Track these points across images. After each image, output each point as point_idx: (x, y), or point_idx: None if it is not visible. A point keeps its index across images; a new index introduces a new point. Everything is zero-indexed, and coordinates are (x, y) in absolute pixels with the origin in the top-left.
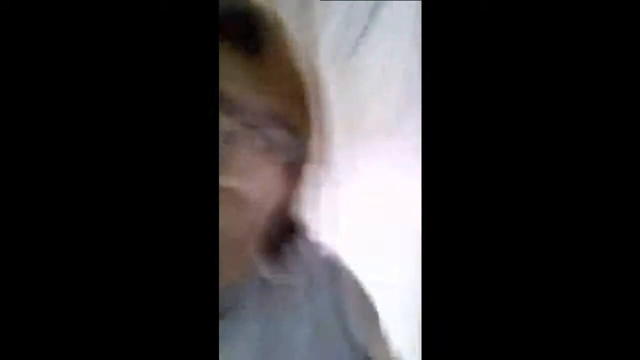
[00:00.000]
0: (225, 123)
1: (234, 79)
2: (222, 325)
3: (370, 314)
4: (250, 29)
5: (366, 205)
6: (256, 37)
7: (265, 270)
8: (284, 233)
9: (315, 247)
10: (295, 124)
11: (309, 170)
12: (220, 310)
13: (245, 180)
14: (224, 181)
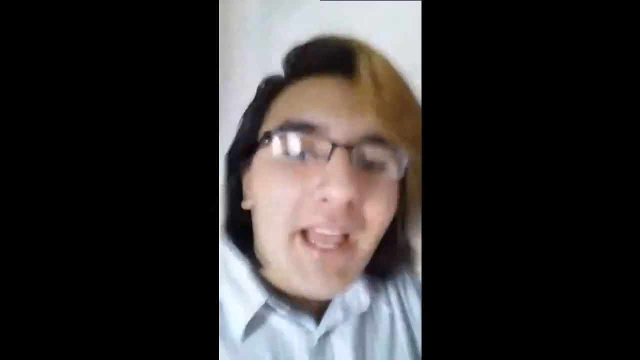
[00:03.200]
0: (321, 146)
1: (328, 104)
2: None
3: None
4: (344, 56)
5: None
6: (350, 63)
7: (365, 293)
8: (391, 257)
9: (415, 278)
10: (395, 141)
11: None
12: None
13: (347, 193)
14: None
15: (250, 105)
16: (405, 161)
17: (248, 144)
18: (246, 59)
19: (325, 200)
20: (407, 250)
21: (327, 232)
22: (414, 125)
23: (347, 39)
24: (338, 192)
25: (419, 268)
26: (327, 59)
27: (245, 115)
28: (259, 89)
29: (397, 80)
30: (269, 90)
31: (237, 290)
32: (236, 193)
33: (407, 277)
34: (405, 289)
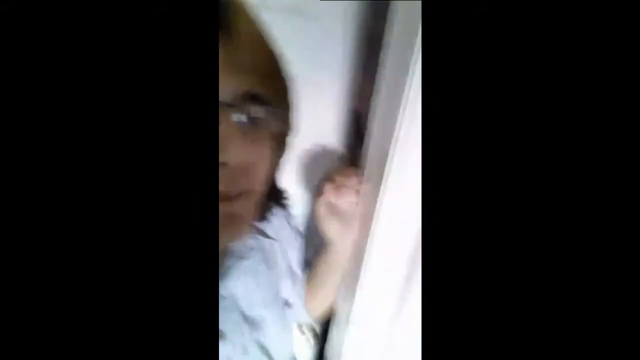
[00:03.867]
0: None
1: None
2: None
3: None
4: (225, 15)
5: None
6: (227, 22)
7: (251, 237)
8: (270, 200)
9: (289, 214)
10: (273, 100)
11: (290, 140)
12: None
13: (236, 155)
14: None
15: None
16: (275, 114)
17: None
18: None
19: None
20: (279, 192)
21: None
22: (284, 89)
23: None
24: (230, 152)
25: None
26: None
27: None
28: None
29: (271, 46)
30: None
31: None
32: None
33: (279, 212)
34: (279, 221)
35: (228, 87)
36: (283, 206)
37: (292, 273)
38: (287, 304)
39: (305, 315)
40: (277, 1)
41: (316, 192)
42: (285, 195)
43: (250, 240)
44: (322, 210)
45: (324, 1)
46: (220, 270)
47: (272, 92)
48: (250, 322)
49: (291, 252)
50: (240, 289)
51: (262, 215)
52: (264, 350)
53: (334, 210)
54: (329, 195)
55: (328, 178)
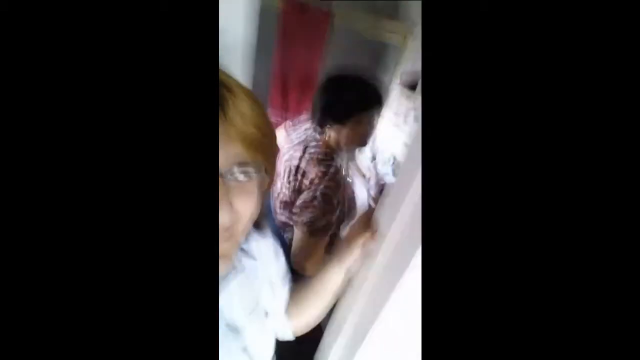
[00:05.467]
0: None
1: None
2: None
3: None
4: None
5: None
6: (223, 100)
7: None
8: (253, 228)
9: (267, 235)
10: (260, 163)
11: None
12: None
13: (226, 210)
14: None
15: None
16: (261, 169)
17: None
18: None
19: None
20: (261, 219)
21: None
22: (268, 144)
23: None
24: (222, 217)
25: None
26: None
27: None
28: None
29: (258, 115)
30: None
31: None
32: None
33: (258, 233)
34: (258, 242)
35: (222, 156)
36: (261, 228)
37: (272, 286)
38: (266, 314)
39: (285, 323)
40: None
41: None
42: (263, 220)
43: (235, 263)
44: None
45: None
46: (224, 287)
47: (260, 157)
48: (234, 330)
49: (271, 267)
50: (225, 302)
51: (245, 238)
52: (247, 353)
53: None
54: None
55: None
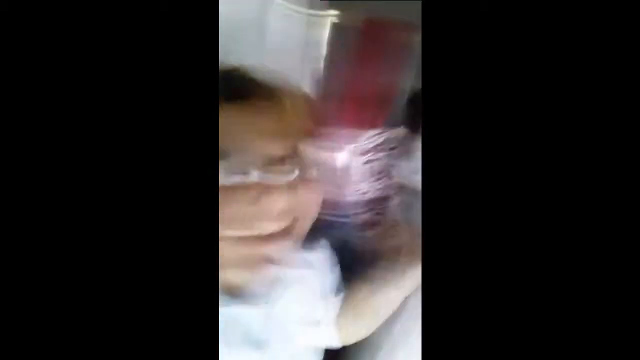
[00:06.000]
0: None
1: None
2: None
3: None
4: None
5: None
6: (269, 94)
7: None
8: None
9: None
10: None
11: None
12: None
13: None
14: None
15: None
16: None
17: None
18: None
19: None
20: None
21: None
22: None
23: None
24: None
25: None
26: (249, 88)
27: None
28: None
29: (308, 111)
30: None
31: None
32: None
33: (320, 241)
34: (319, 250)
35: (275, 147)
36: (319, 238)
37: (325, 297)
38: (316, 324)
39: (334, 333)
40: None
41: None
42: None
43: (294, 271)
44: None
45: None
46: (271, 296)
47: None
48: (286, 336)
49: (326, 278)
50: (281, 309)
51: (307, 245)
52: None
53: None
54: None
55: None
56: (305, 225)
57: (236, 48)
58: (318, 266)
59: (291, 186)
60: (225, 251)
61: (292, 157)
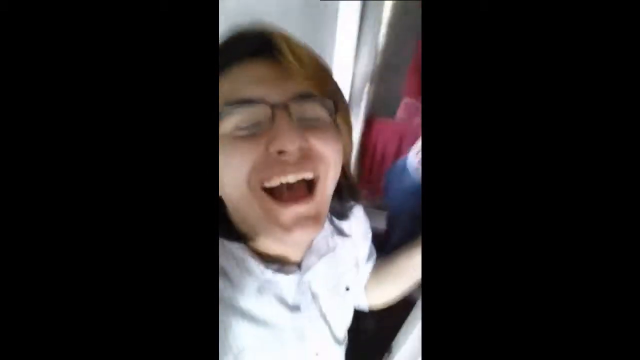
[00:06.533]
0: (263, 112)
1: (261, 79)
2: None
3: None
4: (267, 44)
5: None
6: (274, 49)
7: (331, 237)
8: (346, 196)
9: (359, 213)
10: (325, 94)
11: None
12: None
13: (295, 142)
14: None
15: None
16: (332, 108)
17: None
18: None
19: (280, 152)
20: (352, 189)
21: (290, 178)
22: (331, 83)
23: (266, 30)
24: (287, 141)
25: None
26: (253, 48)
27: None
28: None
29: (312, 54)
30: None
31: (239, 264)
32: None
33: (354, 207)
34: (354, 218)
35: (280, 90)
36: (357, 201)
37: (357, 264)
38: (347, 288)
39: (363, 300)
40: None
41: None
42: (357, 190)
43: (328, 240)
44: None
45: None
46: (304, 265)
47: (322, 90)
48: (317, 301)
49: (360, 245)
50: (314, 276)
51: (340, 212)
52: (327, 322)
53: None
54: None
55: None
56: (334, 177)
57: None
58: (351, 234)
59: (309, 126)
60: (254, 210)
61: (297, 95)
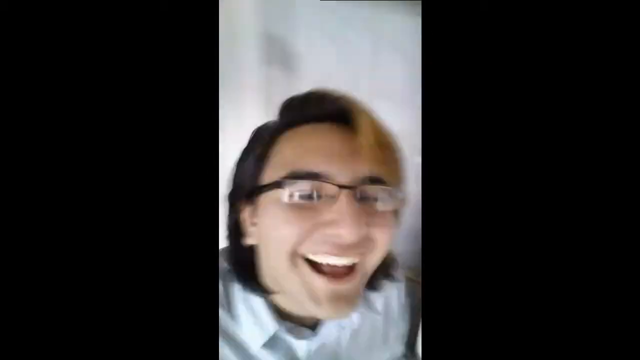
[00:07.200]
0: (328, 189)
1: (331, 152)
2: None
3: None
4: (341, 107)
5: None
6: (348, 114)
7: (357, 312)
8: (381, 272)
9: (400, 287)
10: (389, 180)
11: (403, 213)
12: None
13: (357, 229)
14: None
15: (247, 152)
16: (398, 198)
17: (248, 188)
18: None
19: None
20: (392, 263)
21: (337, 261)
22: (401, 167)
23: (342, 95)
24: (348, 232)
25: (397, 273)
26: (326, 109)
27: (242, 160)
28: (256, 136)
29: (385, 132)
30: (268, 138)
31: (253, 315)
32: (235, 231)
33: (390, 284)
34: (388, 294)
35: (350, 170)
36: (393, 278)
37: (386, 344)
38: None
39: None
40: None
41: None
42: (396, 266)
43: (357, 315)
44: None
45: None
46: (329, 337)
47: (388, 173)
48: None
49: (394, 326)
50: (340, 348)
51: (373, 286)
52: None
53: None
54: None
55: None
56: (377, 261)
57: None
58: (387, 311)
59: (372, 212)
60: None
61: (367, 178)
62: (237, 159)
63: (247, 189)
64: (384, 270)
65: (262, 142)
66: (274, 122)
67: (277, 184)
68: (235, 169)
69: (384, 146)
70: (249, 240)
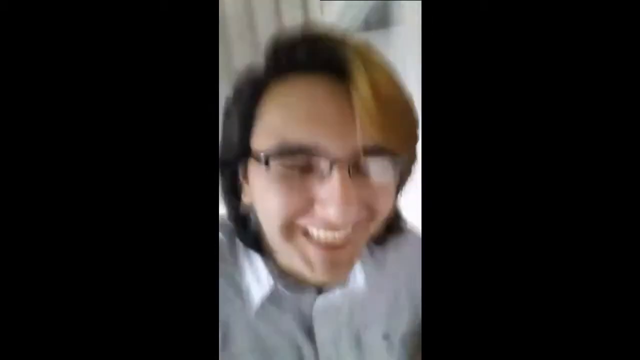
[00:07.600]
0: (321, 163)
1: (324, 122)
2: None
3: None
4: (338, 58)
5: None
6: (345, 68)
7: (361, 273)
8: (388, 231)
9: (405, 235)
10: (397, 148)
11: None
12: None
13: (377, 201)
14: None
15: (234, 107)
16: (401, 165)
17: (240, 151)
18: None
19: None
20: (398, 221)
21: (330, 235)
22: (411, 129)
23: (342, 39)
24: (338, 214)
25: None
26: (319, 58)
27: (228, 115)
28: (239, 88)
29: (394, 88)
30: (252, 93)
31: (252, 270)
32: (233, 188)
33: (398, 241)
34: (398, 252)
35: (344, 142)
36: (401, 230)
37: (398, 304)
38: (385, 336)
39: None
40: None
41: None
42: (402, 219)
43: (362, 274)
44: None
45: None
46: (333, 295)
47: (393, 139)
48: (354, 339)
49: (378, 312)
50: (348, 306)
51: (380, 242)
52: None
53: None
54: None
55: None
56: (376, 227)
57: None
58: (389, 269)
59: (371, 183)
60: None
61: (365, 150)
62: (224, 113)
63: (235, 150)
64: (390, 227)
65: (246, 98)
66: (259, 69)
67: (265, 159)
68: (224, 127)
69: (389, 106)
70: (245, 199)
